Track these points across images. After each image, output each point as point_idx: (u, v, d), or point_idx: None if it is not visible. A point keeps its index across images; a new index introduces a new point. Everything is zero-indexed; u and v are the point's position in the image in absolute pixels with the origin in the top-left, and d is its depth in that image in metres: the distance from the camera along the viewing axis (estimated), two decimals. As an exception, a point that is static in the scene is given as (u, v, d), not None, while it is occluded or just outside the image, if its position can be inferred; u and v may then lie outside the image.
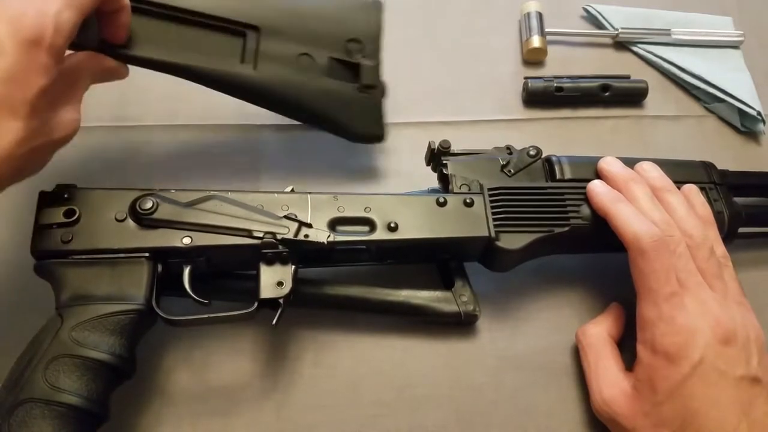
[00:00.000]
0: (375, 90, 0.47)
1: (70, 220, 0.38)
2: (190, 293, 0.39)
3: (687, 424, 0.37)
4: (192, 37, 0.44)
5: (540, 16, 0.62)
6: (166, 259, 0.39)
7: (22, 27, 0.32)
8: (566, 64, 0.61)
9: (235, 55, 0.45)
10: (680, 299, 0.39)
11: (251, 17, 0.45)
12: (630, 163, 0.47)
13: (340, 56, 0.46)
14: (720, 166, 0.50)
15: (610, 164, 0.46)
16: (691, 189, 0.46)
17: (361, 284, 0.44)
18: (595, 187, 0.44)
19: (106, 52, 0.40)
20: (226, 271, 0.43)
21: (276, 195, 0.42)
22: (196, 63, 0.43)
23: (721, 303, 0.40)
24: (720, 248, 0.43)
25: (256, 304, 0.39)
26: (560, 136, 0.57)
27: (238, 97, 0.46)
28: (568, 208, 0.44)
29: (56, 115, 0.36)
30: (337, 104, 0.47)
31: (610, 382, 0.41)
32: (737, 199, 0.49)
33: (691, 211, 0.44)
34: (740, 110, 0.59)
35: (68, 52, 0.37)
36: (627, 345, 0.44)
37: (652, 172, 0.46)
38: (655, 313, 0.39)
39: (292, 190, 0.43)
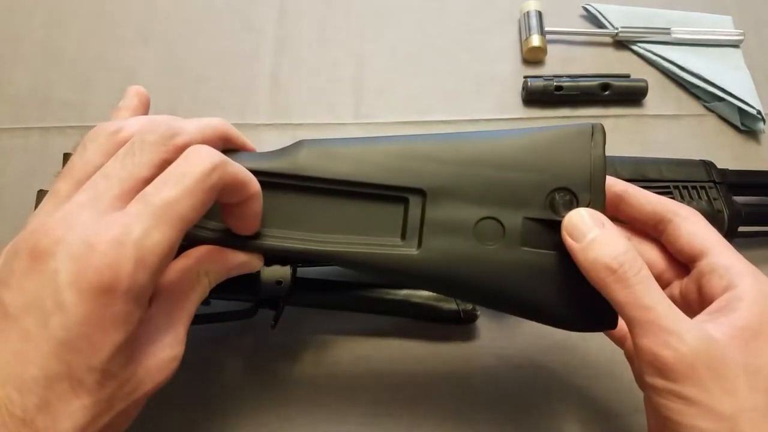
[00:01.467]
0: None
1: (70, 219, 0.38)
2: (190, 292, 0.39)
3: None
4: (341, 215, 0.33)
5: (539, 15, 0.62)
6: (165, 259, 0.39)
7: (89, 268, 0.23)
8: (566, 63, 0.61)
9: (395, 232, 0.33)
10: None
11: (415, 177, 0.33)
12: (631, 162, 0.47)
13: (540, 215, 0.32)
14: (720, 165, 0.50)
15: None
16: None
17: (360, 283, 0.44)
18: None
19: (231, 244, 0.31)
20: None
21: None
22: (348, 249, 0.32)
23: None
24: None
25: (255, 304, 0.39)
26: (560, 135, 0.57)
27: (401, 282, 0.38)
28: (568, 208, 0.44)
29: (143, 364, 0.26)
30: (538, 283, 0.33)
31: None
32: (737, 198, 0.49)
33: None
34: (740, 109, 0.59)
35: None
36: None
37: None
38: None
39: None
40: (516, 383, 0.45)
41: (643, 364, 0.29)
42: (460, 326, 0.46)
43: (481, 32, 0.63)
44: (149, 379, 0.27)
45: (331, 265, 0.38)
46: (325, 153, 0.33)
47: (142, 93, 0.34)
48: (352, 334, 0.46)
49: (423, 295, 0.44)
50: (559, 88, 0.58)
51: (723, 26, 0.65)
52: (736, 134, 0.59)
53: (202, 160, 0.26)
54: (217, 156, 0.27)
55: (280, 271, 0.39)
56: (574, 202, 0.32)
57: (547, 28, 0.61)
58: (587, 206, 0.32)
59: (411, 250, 0.32)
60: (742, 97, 0.58)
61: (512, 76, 0.60)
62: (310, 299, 0.44)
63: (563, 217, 0.31)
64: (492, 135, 0.34)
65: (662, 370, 0.28)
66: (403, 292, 0.44)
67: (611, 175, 0.46)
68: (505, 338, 0.46)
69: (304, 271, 0.43)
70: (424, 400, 0.44)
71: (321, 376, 0.44)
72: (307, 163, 0.32)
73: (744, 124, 0.59)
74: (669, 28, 0.63)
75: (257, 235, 0.31)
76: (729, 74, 0.60)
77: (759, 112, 0.58)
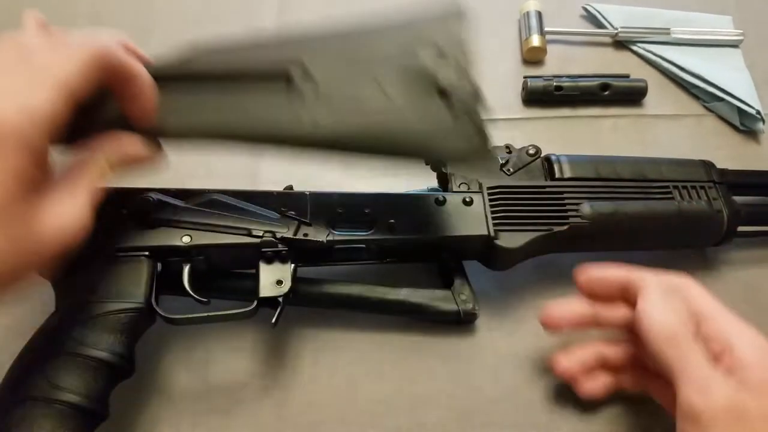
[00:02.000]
0: (472, 105, 0.37)
1: (70, 219, 0.38)
2: (190, 292, 0.39)
3: None
4: (232, 98, 0.36)
5: (539, 15, 0.62)
6: (165, 258, 0.39)
7: None
8: (566, 63, 0.61)
9: (281, 102, 0.36)
10: None
11: (293, 55, 0.36)
12: (630, 162, 0.47)
13: (409, 62, 0.37)
14: (719, 165, 0.50)
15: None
16: None
17: (360, 283, 0.44)
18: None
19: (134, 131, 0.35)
20: (225, 270, 0.43)
21: (275, 194, 0.42)
22: (238, 123, 0.36)
23: None
24: None
25: (255, 303, 0.39)
26: (559, 135, 0.57)
27: (300, 154, 0.37)
28: (567, 207, 0.44)
29: (44, 223, 0.29)
30: (419, 124, 0.36)
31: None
32: (736, 198, 0.49)
33: None
34: (739, 109, 0.59)
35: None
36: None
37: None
38: None
39: (291, 189, 0.43)
40: (515, 383, 0.45)
41: (680, 417, 0.35)
42: (460, 326, 0.46)
43: (480, 32, 0.63)
44: (49, 239, 0.30)
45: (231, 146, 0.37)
46: (214, 49, 0.36)
47: None
48: (352, 332, 0.46)
49: (423, 294, 0.44)
50: (558, 88, 0.58)
51: (723, 26, 0.65)
52: (735, 134, 0.59)
53: (89, 39, 0.31)
54: (107, 38, 0.32)
55: (280, 271, 0.40)
56: (441, 56, 0.37)
57: (546, 28, 0.61)
58: (455, 61, 0.38)
59: (303, 117, 0.35)
60: (741, 97, 0.58)
61: (512, 76, 0.60)
62: (310, 299, 0.44)
63: (433, 70, 0.36)
64: (362, 22, 0.38)
65: (694, 418, 0.34)
66: (404, 292, 0.44)
67: (611, 175, 0.46)
68: (504, 338, 0.46)
69: (305, 271, 0.43)
70: (424, 399, 0.44)
71: (321, 374, 0.44)
72: (195, 59, 0.36)
73: (743, 124, 0.59)
74: (669, 29, 0.63)
75: (156, 126, 0.35)
76: (728, 74, 0.61)
77: (758, 112, 0.58)
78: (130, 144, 0.34)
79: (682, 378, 0.35)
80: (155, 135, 0.35)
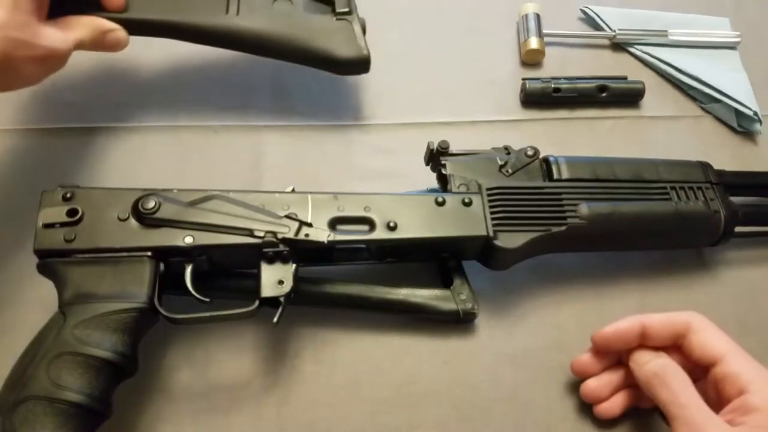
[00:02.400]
0: (351, 15, 0.51)
1: (73, 219, 0.39)
2: (192, 292, 0.39)
3: None
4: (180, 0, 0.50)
5: (538, 17, 0.62)
6: (168, 258, 0.40)
7: None
8: (564, 65, 0.62)
9: (220, 9, 0.50)
10: None
11: None
12: (628, 163, 0.48)
13: None
14: (717, 166, 0.50)
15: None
16: None
17: (360, 283, 0.45)
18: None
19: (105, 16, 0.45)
20: (227, 270, 0.43)
21: (277, 195, 0.42)
22: (189, 20, 0.49)
23: None
24: None
25: (257, 303, 0.39)
26: (558, 136, 0.57)
27: (227, 47, 0.52)
28: (566, 208, 0.45)
29: (43, 29, 0.39)
30: (317, 34, 0.50)
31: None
32: (734, 199, 0.49)
33: None
34: (737, 110, 0.59)
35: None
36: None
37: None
38: None
39: (293, 190, 0.43)
40: (515, 382, 0.45)
41: None
42: (459, 325, 0.46)
43: (479, 35, 0.63)
44: (45, 41, 0.40)
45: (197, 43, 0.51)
46: None
47: None
48: (352, 332, 0.46)
49: (423, 294, 0.45)
50: (557, 89, 0.58)
51: (720, 28, 0.65)
52: (732, 135, 0.59)
53: None
54: None
55: (281, 271, 0.40)
56: None
57: (545, 31, 0.61)
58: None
59: (234, 19, 0.49)
60: (738, 99, 0.59)
61: (510, 78, 0.60)
62: (311, 298, 0.44)
63: None
64: None
65: None
66: (404, 292, 0.45)
67: (609, 176, 0.47)
68: (504, 337, 0.47)
69: (305, 271, 0.43)
70: (424, 399, 0.44)
71: (322, 374, 0.44)
72: None
73: (741, 125, 0.59)
74: (666, 31, 0.63)
75: (124, 11, 0.46)
76: (726, 76, 0.61)
77: (755, 114, 0.58)
78: (103, 22, 0.44)
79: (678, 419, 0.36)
80: (121, 20, 0.46)
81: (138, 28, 0.47)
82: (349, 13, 0.51)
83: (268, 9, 0.51)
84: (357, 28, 0.51)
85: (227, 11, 0.50)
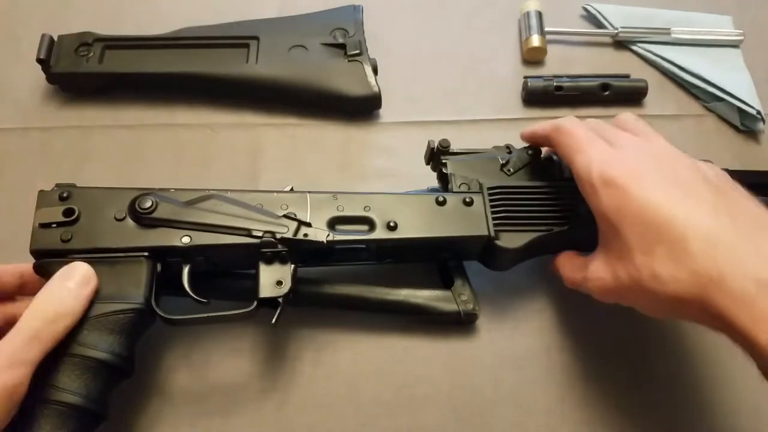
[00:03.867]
0: (361, 56, 0.55)
1: (70, 219, 0.39)
2: (190, 292, 0.39)
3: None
4: (205, 54, 0.56)
5: (539, 15, 0.62)
6: (165, 259, 0.39)
7: None
8: (566, 63, 0.61)
9: (241, 60, 0.55)
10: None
11: (252, 32, 0.57)
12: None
13: (328, 41, 0.57)
14: (720, 165, 0.50)
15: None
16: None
17: (360, 283, 0.44)
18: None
19: None
20: (225, 271, 0.43)
21: (275, 194, 0.42)
22: (215, 71, 0.54)
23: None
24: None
25: (255, 304, 0.39)
26: (560, 135, 0.57)
27: (248, 94, 0.55)
28: (567, 207, 0.44)
29: None
30: (331, 76, 0.54)
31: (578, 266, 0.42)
32: (737, 198, 0.49)
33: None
34: (740, 109, 0.59)
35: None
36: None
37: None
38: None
39: (292, 190, 0.43)
40: (516, 383, 0.45)
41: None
42: (460, 326, 0.46)
43: (481, 32, 0.63)
44: None
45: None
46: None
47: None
48: (352, 333, 0.46)
49: (423, 295, 0.44)
50: (559, 88, 0.58)
51: (723, 26, 0.65)
52: (735, 134, 0.59)
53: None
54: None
55: (280, 271, 0.39)
56: (347, 34, 0.57)
57: (547, 29, 0.61)
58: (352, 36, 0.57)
59: (252, 67, 0.55)
60: (741, 98, 0.58)
61: (512, 76, 0.60)
62: (310, 299, 0.44)
63: (342, 41, 0.56)
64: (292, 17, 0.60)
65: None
66: (404, 293, 0.44)
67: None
68: (504, 338, 0.46)
69: (304, 271, 0.43)
70: (424, 400, 0.44)
71: (321, 375, 0.44)
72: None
73: (744, 124, 0.59)
74: (669, 29, 0.63)
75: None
76: (729, 74, 0.60)
77: (758, 112, 0.58)
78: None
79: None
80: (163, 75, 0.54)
81: (177, 83, 0.55)
82: (359, 54, 0.55)
83: (284, 56, 0.55)
84: (368, 68, 0.55)
85: (247, 60, 0.55)
